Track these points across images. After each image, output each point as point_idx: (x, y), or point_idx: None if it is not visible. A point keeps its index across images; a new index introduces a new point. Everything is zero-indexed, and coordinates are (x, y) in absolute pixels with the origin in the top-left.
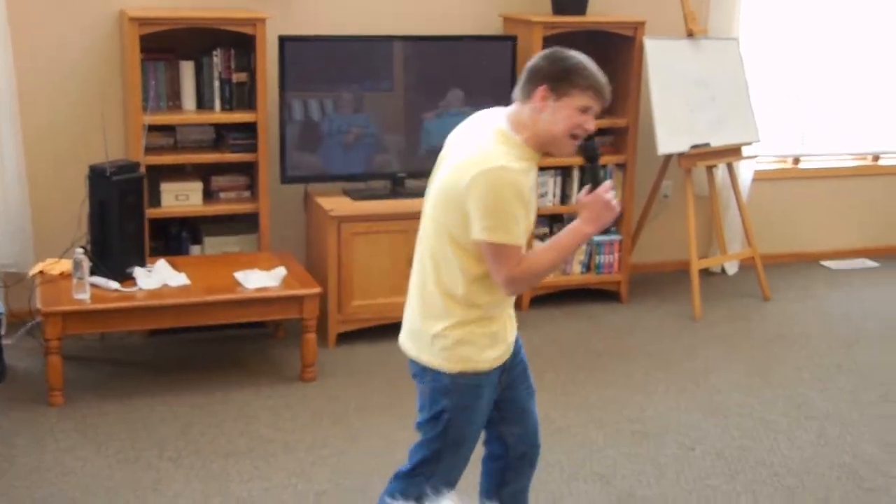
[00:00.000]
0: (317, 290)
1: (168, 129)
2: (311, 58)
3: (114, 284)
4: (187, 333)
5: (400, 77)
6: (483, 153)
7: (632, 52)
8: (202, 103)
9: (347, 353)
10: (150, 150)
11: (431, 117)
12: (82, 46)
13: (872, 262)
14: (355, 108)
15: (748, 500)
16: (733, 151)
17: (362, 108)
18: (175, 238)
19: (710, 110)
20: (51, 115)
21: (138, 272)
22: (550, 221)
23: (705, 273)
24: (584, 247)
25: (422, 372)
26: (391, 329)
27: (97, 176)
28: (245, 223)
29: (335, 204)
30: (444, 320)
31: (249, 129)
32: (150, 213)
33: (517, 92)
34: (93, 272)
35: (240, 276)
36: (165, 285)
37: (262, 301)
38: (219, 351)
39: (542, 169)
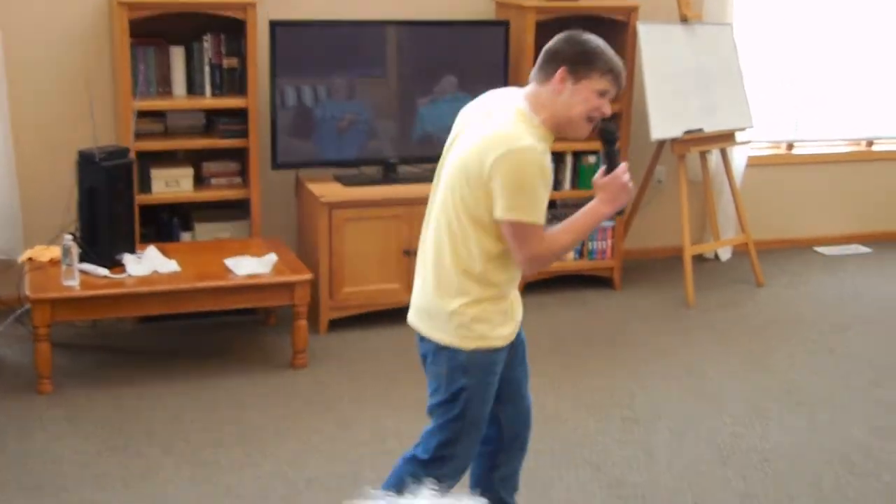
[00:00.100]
0: (308, 276)
1: (158, 115)
2: (302, 43)
3: (103, 271)
4: (178, 321)
5: (391, 63)
6: (507, 132)
7: (625, 37)
8: (192, 89)
9: (339, 340)
10: (140, 136)
11: (425, 103)
12: (71, 32)
13: (866, 247)
14: (347, 94)
15: (739, 485)
16: (727, 137)
17: (354, 94)
18: (166, 224)
19: (703, 96)
20: (40, 101)
21: (128, 259)
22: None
23: (698, 259)
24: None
25: (436, 351)
26: (383, 316)
27: (86, 162)
28: (236, 209)
29: (326, 190)
30: (460, 297)
31: (240, 114)
32: (141, 199)
33: (535, 73)
34: (82, 259)
35: (230, 262)
36: (155, 272)
37: (252, 288)
38: (209, 338)
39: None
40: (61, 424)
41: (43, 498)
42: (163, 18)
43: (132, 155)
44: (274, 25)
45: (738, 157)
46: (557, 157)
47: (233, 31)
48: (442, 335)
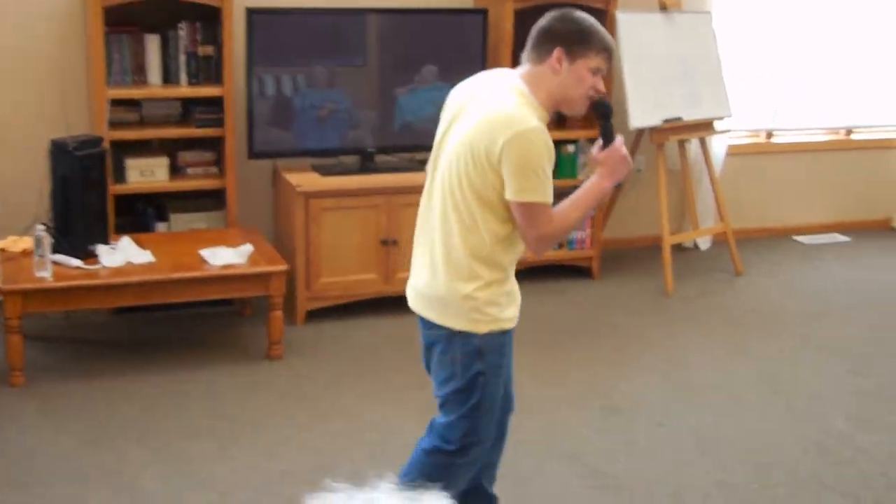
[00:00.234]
0: (283, 267)
1: (133, 104)
2: (279, 31)
3: (76, 262)
4: (154, 312)
5: (370, 51)
6: (513, 113)
7: (604, 25)
8: (168, 77)
9: (315, 331)
10: (115, 125)
11: (405, 92)
12: (44, 19)
13: (844, 236)
14: (324, 83)
15: (718, 475)
16: (706, 126)
17: (332, 83)
18: (141, 215)
19: (682, 84)
20: (12, 90)
21: (102, 249)
22: None
23: (678, 248)
24: None
25: (448, 338)
26: (360, 306)
27: (59, 151)
28: (212, 200)
29: (303, 179)
30: (472, 282)
31: (216, 103)
32: (116, 189)
33: (528, 54)
34: (55, 250)
35: (205, 253)
36: (129, 263)
37: (227, 278)
38: (185, 329)
39: None
40: (33, 417)
41: (14, 492)
42: (137, 6)
43: (106, 144)
44: (251, 13)
45: (718, 146)
46: None
47: (209, 18)
48: (455, 321)
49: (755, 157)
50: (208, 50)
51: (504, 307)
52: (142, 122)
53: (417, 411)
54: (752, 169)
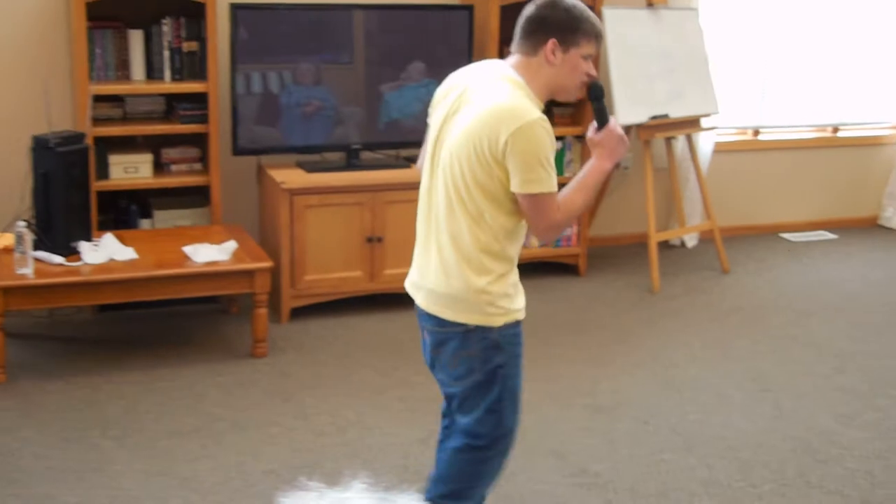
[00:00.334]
0: (268, 264)
1: (117, 100)
2: (264, 26)
3: (58, 259)
4: (138, 309)
5: (357, 47)
6: (515, 105)
7: None
8: (152, 73)
9: (300, 329)
10: (98, 121)
11: (391, 89)
12: (27, 14)
13: (831, 233)
14: (309, 79)
15: (703, 473)
16: (692, 123)
17: (316, 79)
18: (124, 212)
19: (669, 81)
20: None
21: (84, 246)
22: None
23: (664, 246)
24: None
25: (463, 334)
26: (345, 304)
27: (41, 147)
28: (196, 196)
29: (288, 176)
30: (485, 276)
31: (200, 99)
32: (99, 185)
33: (520, 45)
34: (36, 246)
35: (189, 249)
36: (112, 260)
37: (211, 275)
38: (169, 327)
39: None
40: (14, 416)
41: None
42: (121, 1)
43: (89, 140)
44: (235, 9)
45: (704, 143)
46: None
47: (193, 14)
48: (471, 316)
49: (742, 154)
50: (192, 45)
51: (514, 298)
52: (125, 118)
53: (402, 410)
54: (739, 166)
